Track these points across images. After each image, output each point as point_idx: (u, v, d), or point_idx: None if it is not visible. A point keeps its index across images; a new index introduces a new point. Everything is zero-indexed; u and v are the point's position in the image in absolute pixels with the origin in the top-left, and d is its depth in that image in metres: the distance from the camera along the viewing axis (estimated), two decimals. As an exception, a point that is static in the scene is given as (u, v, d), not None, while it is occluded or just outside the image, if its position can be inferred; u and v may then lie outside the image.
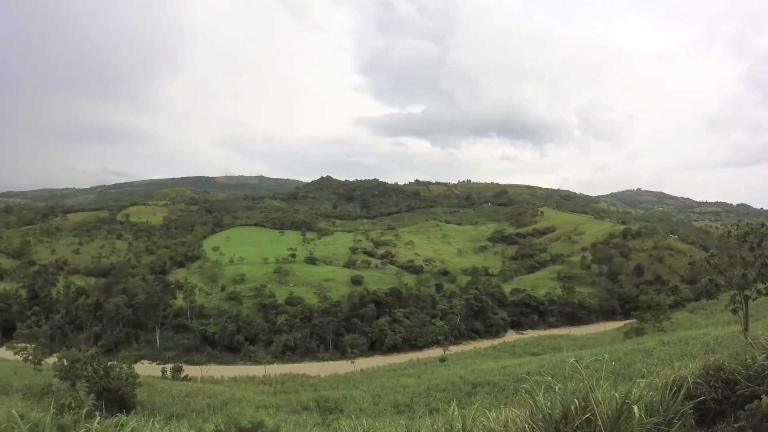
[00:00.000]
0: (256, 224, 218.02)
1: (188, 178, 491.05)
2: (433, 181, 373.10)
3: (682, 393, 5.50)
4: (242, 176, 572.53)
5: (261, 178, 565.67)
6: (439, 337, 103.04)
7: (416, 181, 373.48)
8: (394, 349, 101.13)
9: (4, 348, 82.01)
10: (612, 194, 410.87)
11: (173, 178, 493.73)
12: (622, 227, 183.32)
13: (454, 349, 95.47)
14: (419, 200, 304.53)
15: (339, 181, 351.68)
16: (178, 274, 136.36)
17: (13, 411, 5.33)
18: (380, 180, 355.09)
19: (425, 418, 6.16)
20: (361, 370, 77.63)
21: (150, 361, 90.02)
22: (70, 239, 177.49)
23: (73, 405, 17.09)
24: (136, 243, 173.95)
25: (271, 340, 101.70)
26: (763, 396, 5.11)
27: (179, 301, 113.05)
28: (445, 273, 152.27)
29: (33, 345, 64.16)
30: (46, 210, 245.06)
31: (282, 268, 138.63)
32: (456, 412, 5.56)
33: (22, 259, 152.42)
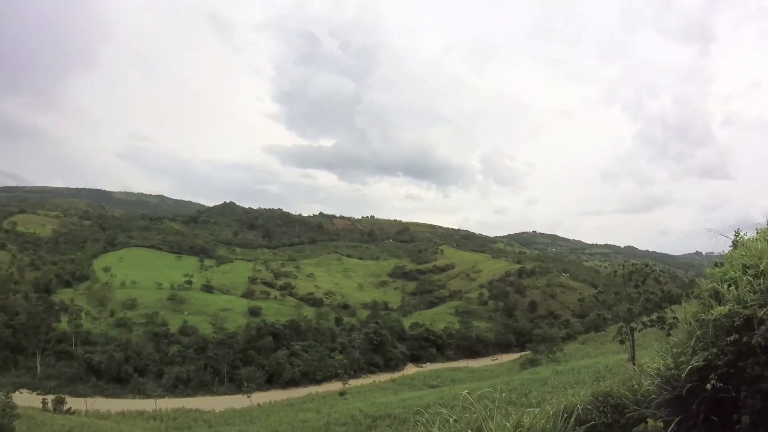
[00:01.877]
0: (152, 246, 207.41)
1: (84, 189, 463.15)
2: (338, 215, 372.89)
3: (573, 419, 5.93)
4: (142, 194, 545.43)
5: (162, 197, 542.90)
6: (338, 371, 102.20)
7: (321, 213, 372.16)
8: (293, 383, 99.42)
9: None
10: (509, 235, 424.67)
11: (68, 188, 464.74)
12: (518, 266, 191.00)
13: (353, 382, 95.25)
14: (322, 233, 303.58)
15: (243, 208, 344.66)
16: (64, 295, 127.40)
17: None
18: (284, 210, 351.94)
19: None
20: (258, 405, 75.81)
21: (30, 391, 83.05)
22: None
23: None
24: (21, 256, 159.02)
25: (162, 371, 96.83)
26: (649, 419, 5.67)
27: (63, 325, 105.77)
28: (346, 306, 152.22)
29: None
30: None
31: (177, 295, 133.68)
32: None
33: None
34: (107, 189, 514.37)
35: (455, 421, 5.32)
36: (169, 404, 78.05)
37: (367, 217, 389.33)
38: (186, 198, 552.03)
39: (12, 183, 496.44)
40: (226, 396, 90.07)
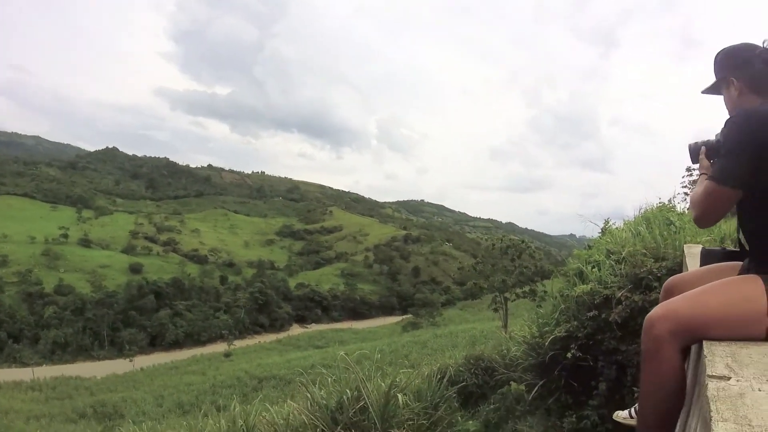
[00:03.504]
0: (25, 195, 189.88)
1: None
2: (227, 168, 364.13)
3: (446, 379, 6.50)
4: (16, 133, 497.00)
5: (38, 138, 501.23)
6: (223, 332, 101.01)
7: (209, 165, 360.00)
8: (176, 344, 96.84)
9: None
10: (398, 202, 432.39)
11: None
12: (404, 232, 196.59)
13: (239, 343, 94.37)
14: (210, 186, 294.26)
15: (126, 155, 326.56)
16: None
17: None
18: (171, 159, 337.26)
19: (208, 418, 6.49)
20: (141, 369, 73.49)
21: None
22: None
23: None
24: None
25: (38, 336, 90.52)
26: (513, 382, 6.29)
27: None
28: (231, 265, 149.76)
29: None
30: None
31: (52, 249, 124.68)
32: (238, 409, 5.92)
33: None
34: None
35: (335, 381, 5.76)
36: (47, 372, 73.15)
37: (258, 172, 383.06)
38: (65, 141, 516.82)
39: None
40: (108, 360, 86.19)
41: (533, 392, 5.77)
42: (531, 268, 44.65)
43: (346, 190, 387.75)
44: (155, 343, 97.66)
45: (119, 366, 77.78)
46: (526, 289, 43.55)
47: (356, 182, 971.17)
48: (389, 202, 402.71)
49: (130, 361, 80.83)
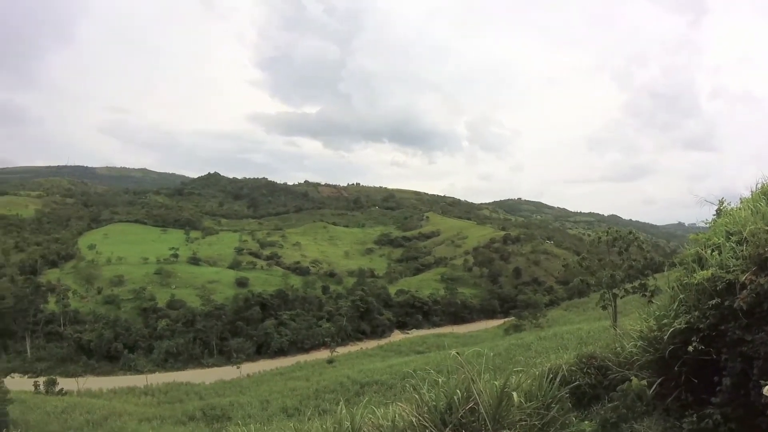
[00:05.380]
0: (137, 221, 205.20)
1: (66, 167, 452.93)
2: (323, 183, 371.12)
3: (558, 380, 6.07)
4: (125, 168, 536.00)
5: (145, 171, 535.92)
6: (326, 339, 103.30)
7: (306, 182, 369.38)
8: (281, 352, 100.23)
9: None
10: (495, 202, 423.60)
11: (50, 167, 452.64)
12: (503, 233, 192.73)
13: (341, 350, 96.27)
14: (308, 201, 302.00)
15: (227, 179, 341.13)
16: (50, 275, 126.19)
17: None
18: (270, 179, 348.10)
19: (314, 420, 6.39)
20: (248, 375, 76.38)
21: (21, 374, 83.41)
22: None
23: None
24: (5, 238, 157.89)
25: (152, 346, 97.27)
26: (633, 378, 5.81)
27: (52, 306, 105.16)
28: (332, 275, 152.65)
29: None
30: None
31: (164, 268, 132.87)
32: (344, 411, 5.78)
33: None
34: (90, 165, 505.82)
35: (444, 382, 5.50)
36: (159, 379, 78.26)
37: (353, 184, 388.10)
38: (170, 170, 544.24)
39: None
40: (216, 368, 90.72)
41: (651, 390, 5.32)
42: (640, 261, 41.83)
43: (442, 195, 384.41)
44: (261, 351, 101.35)
45: (227, 373, 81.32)
46: (636, 283, 41.26)
47: (451, 185, 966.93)
48: (486, 203, 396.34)
49: (238, 368, 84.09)
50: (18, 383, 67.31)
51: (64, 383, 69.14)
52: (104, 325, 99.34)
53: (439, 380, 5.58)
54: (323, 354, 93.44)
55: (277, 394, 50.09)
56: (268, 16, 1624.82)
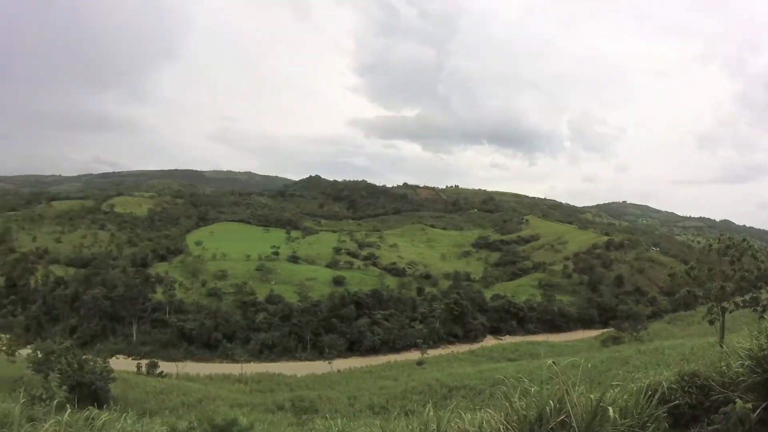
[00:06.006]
0: (241, 220, 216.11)
1: (177, 170, 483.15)
2: (422, 185, 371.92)
3: (656, 398, 5.40)
4: (231, 171, 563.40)
5: (250, 174, 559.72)
6: (417, 340, 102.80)
7: (405, 184, 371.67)
8: (373, 350, 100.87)
9: None
10: (598, 206, 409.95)
11: (162, 170, 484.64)
12: (606, 238, 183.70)
13: (432, 352, 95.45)
14: (407, 203, 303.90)
15: (327, 181, 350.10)
16: (159, 268, 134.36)
17: None
18: (369, 182, 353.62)
19: (400, 420, 6.05)
20: (339, 371, 77.48)
21: (126, 356, 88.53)
22: (53, 227, 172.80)
23: (44, 397, 16.77)
24: (119, 234, 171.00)
25: (249, 338, 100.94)
26: (738, 400, 5.00)
27: (159, 296, 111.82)
28: (428, 277, 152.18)
29: (8, 335, 62.92)
30: (30, 196, 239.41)
31: (264, 265, 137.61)
32: (431, 414, 5.40)
33: (2, 246, 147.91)
34: (198, 169, 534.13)
35: (536, 391, 5.19)
36: (254, 368, 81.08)
37: (452, 186, 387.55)
38: (273, 173, 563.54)
39: (110, 169, 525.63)
40: (308, 362, 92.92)
41: (755, 414, 4.53)
42: (753, 272, 37.96)
43: (542, 197, 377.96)
44: (353, 348, 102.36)
45: (318, 367, 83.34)
46: (748, 297, 37.80)
47: (552, 188, 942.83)
48: (588, 207, 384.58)
49: (329, 363, 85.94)
50: (122, 364, 71.59)
51: (165, 366, 73.47)
52: (206, 315, 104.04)
53: (531, 389, 5.23)
54: (414, 355, 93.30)
55: (365, 391, 50.24)
56: (363, 23, 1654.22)
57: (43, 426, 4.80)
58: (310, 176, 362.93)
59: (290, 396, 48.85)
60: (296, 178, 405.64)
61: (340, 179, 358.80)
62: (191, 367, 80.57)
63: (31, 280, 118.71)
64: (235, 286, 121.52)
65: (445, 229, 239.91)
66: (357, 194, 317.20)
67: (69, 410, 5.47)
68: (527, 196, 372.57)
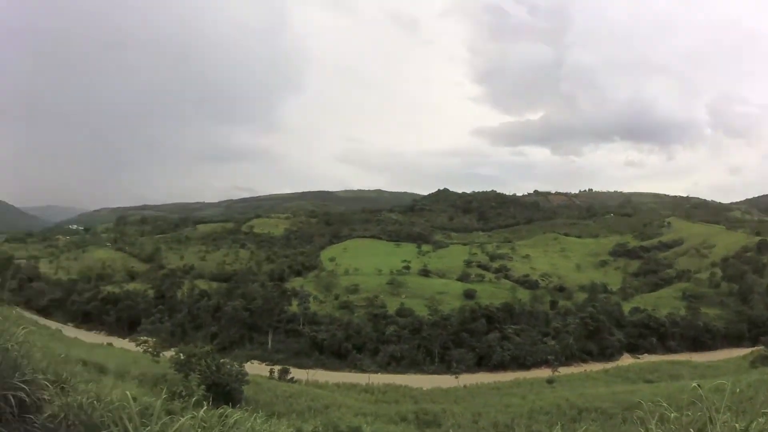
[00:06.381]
0: (372, 236, 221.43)
1: (309, 192, 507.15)
2: (553, 191, 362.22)
3: None
4: (361, 190, 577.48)
5: (379, 191, 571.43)
6: (548, 357, 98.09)
7: (535, 191, 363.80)
8: (501, 366, 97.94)
9: (127, 340, 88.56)
10: (747, 200, 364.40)
11: (295, 193, 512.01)
12: (757, 239, 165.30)
13: (563, 370, 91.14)
14: (538, 211, 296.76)
15: (456, 194, 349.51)
16: (295, 282, 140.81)
17: (127, 393, 5.73)
18: (498, 191, 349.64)
19: None
20: (465, 386, 76.23)
21: (260, 362, 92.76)
22: (198, 247, 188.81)
23: (183, 393, 18.51)
24: (258, 252, 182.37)
25: (378, 349, 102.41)
26: None
27: (294, 308, 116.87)
28: (562, 289, 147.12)
29: (154, 339, 68.92)
30: (178, 221, 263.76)
31: (395, 279, 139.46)
32: None
33: (153, 264, 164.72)
34: (329, 189, 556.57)
35: (676, 418, 5.07)
36: (381, 379, 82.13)
37: (585, 190, 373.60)
38: (402, 189, 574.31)
39: (248, 194, 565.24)
40: (435, 375, 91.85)
41: None
42: None
43: (684, 195, 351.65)
44: (481, 363, 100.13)
45: (445, 381, 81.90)
46: None
47: (695, 184, 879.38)
48: (737, 203, 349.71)
49: (456, 377, 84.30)
50: (256, 368, 75.07)
51: (296, 373, 76.58)
52: (338, 326, 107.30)
53: (671, 415, 5.12)
54: (544, 372, 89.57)
55: (490, 408, 49.16)
56: (473, 30, 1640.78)
57: (180, 420, 5.20)
58: (439, 190, 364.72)
59: (414, 408, 48.92)
60: (424, 192, 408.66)
61: (468, 191, 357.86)
62: (321, 375, 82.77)
63: (178, 293, 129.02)
64: (366, 299, 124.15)
65: (579, 237, 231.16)
66: (486, 205, 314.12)
67: (205, 407, 6.03)
68: (668, 196, 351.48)
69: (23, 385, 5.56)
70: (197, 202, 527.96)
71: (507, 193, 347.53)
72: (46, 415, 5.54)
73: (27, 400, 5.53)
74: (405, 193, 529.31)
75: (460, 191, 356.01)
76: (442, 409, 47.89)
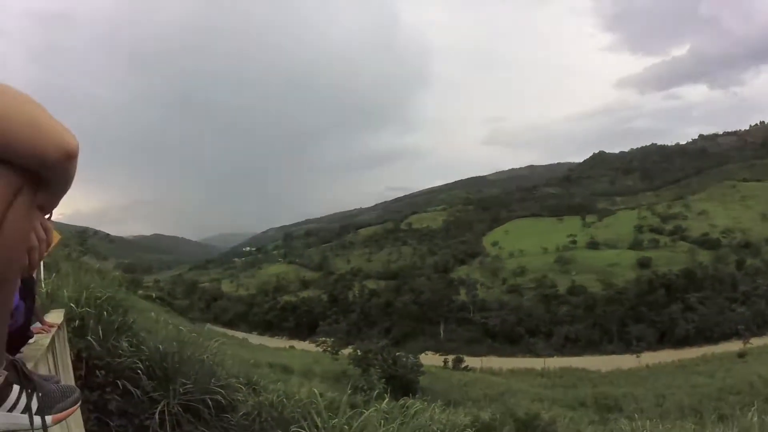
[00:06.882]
0: (532, 215, 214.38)
1: (460, 181, 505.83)
2: (721, 132, 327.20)
3: None
4: (512, 169, 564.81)
5: (531, 167, 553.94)
6: (738, 327, 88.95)
7: (700, 136, 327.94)
8: (686, 341, 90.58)
9: (307, 342, 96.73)
10: None
11: (446, 184, 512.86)
12: None
13: (756, 341, 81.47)
14: (707, 159, 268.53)
15: (613, 155, 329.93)
16: (460, 272, 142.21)
17: (314, 389, 7.01)
18: (658, 144, 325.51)
19: (716, 426, 6.01)
20: (647, 366, 72.58)
21: (433, 353, 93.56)
22: (362, 250, 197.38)
23: (365, 387, 20.22)
24: (420, 247, 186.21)
25: (551, 331, 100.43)
26: None
27: (462, 296, 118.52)
28: (747, 245, 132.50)
29: (332, 339, 75.01)
30: (340, 229, 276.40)
31: (563, 256, 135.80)
32: (754, 419, 5.25)
33: (322, 271, 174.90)
34: (480, 174, 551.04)
35: None
36: (556, 363, 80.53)
37: (757, 124, 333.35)
38: (554, 161, 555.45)
39: (401, 193, 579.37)
40: (614, 355, 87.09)
41: None
42: None
43: None
44: (663, 339, 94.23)
45: (625, 361, 77.89)
46: None
47: None
48: None
49: (637, 357, 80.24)
50: (430, 359, 76.69)
51: (469, 361, 76.92)
52: (508, 311, 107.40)
53: None
54: (734, 345, 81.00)
55: (675, 389, 46.74)
56: None
57: (365, 413, 5.72)
58: (593, 154, 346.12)
59: (593, 392, 47.84)
60: (579, 159, 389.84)
61: (625, 149, 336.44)
62: (494, 362, 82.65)
63: (349, 295, 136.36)
64: (535, 280, 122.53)
65: (760, 180, 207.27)
66: (648, 161, 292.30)
67: (386, 399, 6.73)
68: None
69: (219, 389, 6.34)
70: (354, 209, 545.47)
71: (669, 144, 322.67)
72: (240, 414, 6.42)
73: (223, 401, 6.33)
74: (558, 164, 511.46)
75: (617, 151, 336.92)
76: (622, 393, 46.67)
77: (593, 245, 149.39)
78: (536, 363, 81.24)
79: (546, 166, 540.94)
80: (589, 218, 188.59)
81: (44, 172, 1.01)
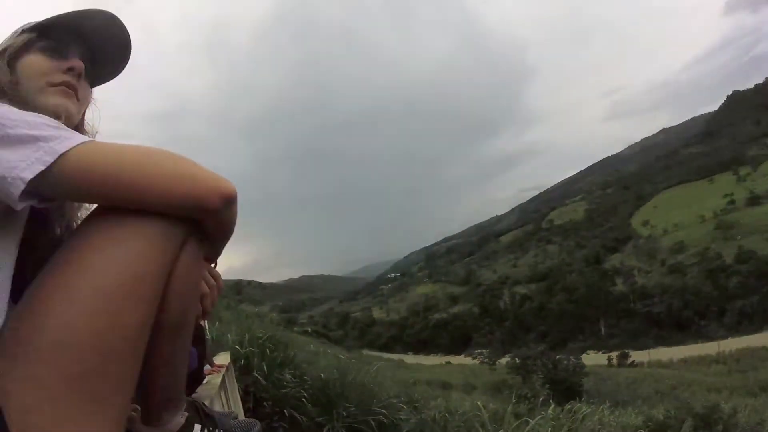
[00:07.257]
0: (679, 182, 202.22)
1: (593, 165, 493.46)
2: None
3: None
4: (644, 138, 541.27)
5: (664, 131, 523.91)
6: None
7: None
8: None
9: (463, 356, 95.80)
10: None
11: (579, 172, 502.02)
12: None
13: None
14: None
15: (749, 91, 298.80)
16: (613, 260, 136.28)
17: (478, 402, 6.81)
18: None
19: None
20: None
21: (595, 351, 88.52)
22: (506, 257, 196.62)
23: (529, 395, 19.37)
24: (566, 243, 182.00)
25: (723, 309, 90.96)
26: None
27: (619, 286, 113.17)
28: None
29: (487, 350, 74.54)
30: (480, 241, 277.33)
31: (723, 221, 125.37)
32: None
33: (469, 284, 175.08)
34: (612, 153, 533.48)
35: None
36: (732, 345, 72.52)
37: None
38: (687, 116, 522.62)
39: (535, 192, 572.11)
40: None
41: None
42: None
43: None
44: None
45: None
46: None
47: None
48: None
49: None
50: (592, 359, 72.82)
51: (635, 356, 72.42)
52: (672, 295, 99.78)
53: None
54: None
55: None
56: None
57: (530, 422, 5.61)
58: (728, 96, 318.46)
59: (777, 373, 42.74)
60: (714, 107, 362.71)
61: (759, 80, 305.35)
62: (663, 353, 76.77)
63: (499, 304, 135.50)
64: (696, 255, 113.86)
65: None
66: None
67: (552, 405, 6.59)
68: None
69: (381, 410, 6.31)
70: (491, 218, 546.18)
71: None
72: None
73: (386, 421, 6.27)
74: (692, 119, 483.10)
75: (751, 85, 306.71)
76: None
77: (754, 200, 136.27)
78: (710, 348, 73.77)
79: (680, 125, 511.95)
80: (743, 170, 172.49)
81: (207, 219, 1.09)
